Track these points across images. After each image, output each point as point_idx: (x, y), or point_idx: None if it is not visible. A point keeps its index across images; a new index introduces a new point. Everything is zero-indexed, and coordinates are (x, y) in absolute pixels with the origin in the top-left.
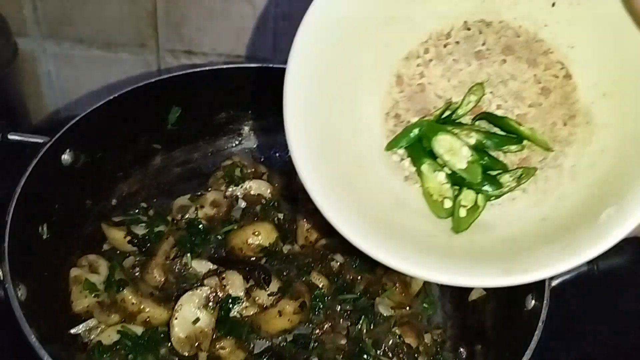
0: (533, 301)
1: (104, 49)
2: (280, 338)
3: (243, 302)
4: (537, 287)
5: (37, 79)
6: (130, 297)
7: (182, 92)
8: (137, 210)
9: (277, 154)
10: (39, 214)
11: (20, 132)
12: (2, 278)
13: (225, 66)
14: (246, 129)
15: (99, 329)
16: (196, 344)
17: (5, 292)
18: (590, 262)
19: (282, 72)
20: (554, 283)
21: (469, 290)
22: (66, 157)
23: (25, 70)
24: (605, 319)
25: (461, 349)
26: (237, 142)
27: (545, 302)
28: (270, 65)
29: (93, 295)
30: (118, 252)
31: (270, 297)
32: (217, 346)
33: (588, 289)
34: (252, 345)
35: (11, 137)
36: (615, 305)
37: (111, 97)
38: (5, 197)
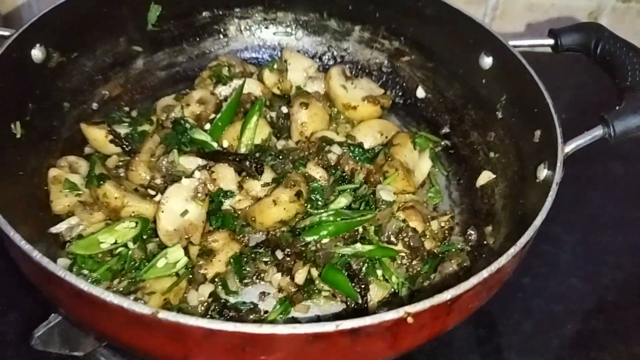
0: (546, 171)
1: None
2: (276, 230)
3: (235, 195)
4: (549, 156)
5: None
6: (112, 191)
7: None
8: (119, 113)
9: (267, 54)
10: (10, 110)
11: None
12: None
13: None
14: (232, 29)
15: (81, 227)
16: (186, 236)
17: None
18: (605, 125)
19: None
20: (568, 149)
21: (476, 176)
22: (36, 52)
23: None
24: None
25: (470, 232)
26: (223, 44)
27: (558, 168)
28: None
29: (74, 194)
30: (100, 154)
31: (264, 188)
32: (210, 239)
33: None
34: (247, 238)
35: None
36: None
37: None
38: None
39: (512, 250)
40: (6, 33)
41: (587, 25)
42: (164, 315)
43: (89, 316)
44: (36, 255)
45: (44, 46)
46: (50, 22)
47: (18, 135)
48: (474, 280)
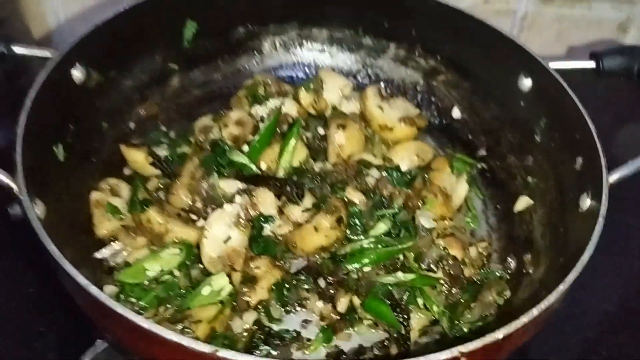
0: (589, 200)
1: None
2: (317, 256)
3: (276, 220)
4: (592, 185)
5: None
6: (155, 217)
7: (196, 4)
8: (156, 133)
9: (302, 72)
10: (53, 133)
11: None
12: (17, 190)
13: None
14: (267, 45)
15: (125, 252)
16: (229, 263)
17: (22, 206)
18: None
19: None
20: (612, 179)
21: (513, 201)
22: (77, 73)
23: None
24: None
25: (509, 260)
26: (258, 62)
27: (603, 200)
28: None
29: (117, 218)
30: (140, 176)
31: (305, 214)
32: (252, 265)
33: None
34: (288, 265)
35: (16, 49)
36: None
37: (121, 10)
38: (14, 112)
39: (562, 288)
40: (48, 55)
41: (631, 48)
42: (224, 354)
43: (144, 350)
44: (94, 290)
45: (84, 67)
46: (90, 43)
47: (60, 158)
48: (524, 319)
